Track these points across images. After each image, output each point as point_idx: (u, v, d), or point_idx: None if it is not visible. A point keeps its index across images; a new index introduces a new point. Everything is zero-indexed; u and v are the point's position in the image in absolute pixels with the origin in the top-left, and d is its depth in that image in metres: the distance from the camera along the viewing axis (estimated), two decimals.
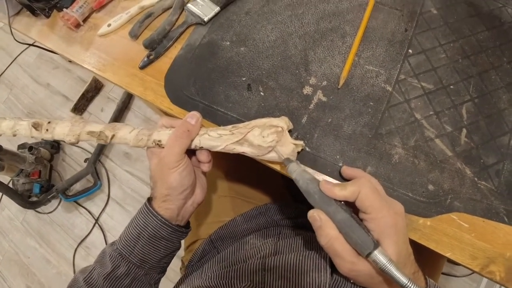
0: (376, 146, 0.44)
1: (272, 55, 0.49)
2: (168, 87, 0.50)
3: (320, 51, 0.48)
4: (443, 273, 1.09)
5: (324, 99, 0.46)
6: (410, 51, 0.48)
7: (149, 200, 0.45)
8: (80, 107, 1.52)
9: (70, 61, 1.62)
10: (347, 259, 0.33)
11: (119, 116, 1.44)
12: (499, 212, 0.43)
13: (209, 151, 0.44)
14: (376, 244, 0.31)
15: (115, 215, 1.39)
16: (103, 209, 1.39)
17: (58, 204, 1.44)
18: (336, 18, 0.50)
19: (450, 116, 0.45)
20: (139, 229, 0.43)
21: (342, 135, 0.44)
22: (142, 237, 0.42)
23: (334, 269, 0.42)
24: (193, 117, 0.41)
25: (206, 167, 0.45)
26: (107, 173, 1.43)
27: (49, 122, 0.43)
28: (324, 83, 0.47)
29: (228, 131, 0.41)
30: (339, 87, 0.46)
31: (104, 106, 1.54)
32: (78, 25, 0.58)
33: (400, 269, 0.30)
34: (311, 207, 0.36)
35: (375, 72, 0.47)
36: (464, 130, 0.45)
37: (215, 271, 0.44)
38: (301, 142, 0.42)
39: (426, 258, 0.61)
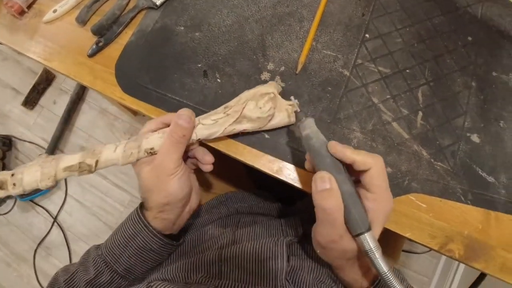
0: (335, 131, 0.43)
1: (229, 40, 0.47)
2: (119, 75, 0.47)
3: (278, 36, 0.47)
4: (403, 251, 1.13)
5: (282, 84, 0.45)
6: (367, 35, 0.48)
7: (141, 206, 0.41)
8: (31, 100, 1.43)
9: (20, 52, 1.51)
10: (338, 230, 0.31)
11: (73, 108, 1.37)
12: (456, 192, 0.43)
13: (205, 149, 0.42)
14: (370, 227, 0.31)
15: (74, 213, 1.34)
16: (61, 207, 1.34)
17: (14, 204, 1.36)
18: (294, 2, 0.49)
19: (407, 99, 0.46)
20: (127, 238, 0.40)
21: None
22: (130, 247, 0.40)
23: (290, 256, 0.41)
24: (185, 118, 0.37)
25: (208, 168, 0.42)
26: None
27: (12, 175, 0.35)
28: (282, 68, 0.45)
29: (222, 114, 0.39)
30: (297, 73, 0.45)
31: (56, 99, 1.46)
32: (22, 12, 0.53)
33: (382, 256, 0.30)
34: (275, 193, 0.35)
35: (332, 57, 0.46)
36: (420, 113, 0.45)
37: (173, 264, 0.43)
38: (296, 101, 0.40)
39: (387, 237, 0.62)
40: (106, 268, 0.40)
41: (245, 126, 0.39)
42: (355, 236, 0.31)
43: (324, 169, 0.32)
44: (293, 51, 0.46)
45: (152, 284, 0.34)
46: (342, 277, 0.38)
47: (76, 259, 1.27)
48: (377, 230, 0.32)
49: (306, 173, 0.42)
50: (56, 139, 1.32)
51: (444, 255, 0.43)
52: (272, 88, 0.39)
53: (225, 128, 0.38)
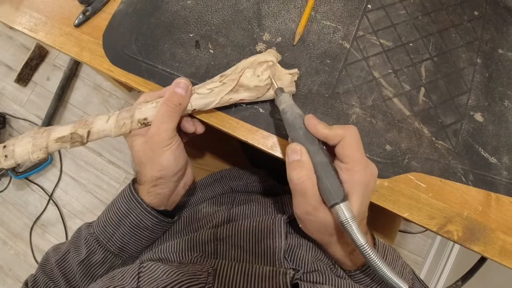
0: (333, 106, 0.41)
1: (222, 8, 0.44)
2: (107, 46, 0.44)
3: (274, 4, 0.44)
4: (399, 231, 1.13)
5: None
6: (369, 6, 0.45)
7: (134, 182, 0.40)
8: (24, 77, 1.40)
9: (11, 28, 1.47)
10: (311, 201, 0.31)
11: (66, 84, 1.34)
12: (457, 172, 0.42)
13: (195, 119, 0.40)
14: (345, 197, 0.30)
15: (69, 190, 1.32)
16: (57, 185, 1.32)
17: (9, 182, 1.35)
18: None
19: (409, 74, 0.44)
20: (120, 215, 0.38)
21: (297, 94, 0.41)
22: (123, 224, 0.38)
23: (288, 234, 0.40)
24: (183, 86, 0.35)
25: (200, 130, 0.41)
26: None
27: (4, 146, 0.34)
28: (279, 39, 0.43)
29: (218, 82, 0.37)
30: (294, 44, 0.42)
31: (50, 75, 1.42)
32: None
33: (359, 228, 0.29)
34: (268, 170, 0.34)
35: (332, 28, 0.44)
36: (423, 89, 0.43)
37: (167, 242, 0.42)
38: (296, 70, 0.38)
39: (383, 217, 0.62)
40: (99, 247, 0.39)
41: (243, 95, 0.37)
42: (330, 207, 0.30)
43: (297, 141, 0.32)
44: (290, 21, 0.44)
45: (144, 264, 0.33)
46: (330, 255, 0.37)
47: None
48: (355, 202, 0.30)
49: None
50: (50, 116, 1.29)
51: (443, 236, 0.42)
52: (271, 56, 0.37)
53: (221, 98, 0.37)
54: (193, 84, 0.41)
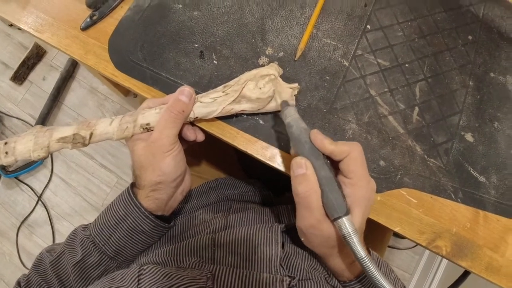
0: (330, 120, 0.43)
1: (227, 21, 0.46)
2: (112, 51, 0.45)
3: (278, 20, 0.46)
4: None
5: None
6: (368, 26, 0.47)
7: (132, 186, 0.40)
8: (20, 76, 1.39)
9: (10, 25, 1.47)
10: (315, 215, 0.31)
11: (62, 85, 1.33)
12: (447, 189, 0.43)
13: (196, 127, 0.41)
14: (348, 211, 0.31)
15: (59, 192, 1.31)
16: (46, 186, 1.31)
17: None
18: None
19: (404, 94, 0.45)
20: (118, 218, 0.39)
21: (297, 108, 0.42)
22: (120, 228, 0.39)
23: (284, 242, 0.41)
24: (187, 94, 0.36)
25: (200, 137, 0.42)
26: None
27: (5, 143, 0.35)
28: (281, 54, 0.44)
29: (221, 92, 0.38)
30: (295, 59, 0.44)
31: (46, 75, 1.41)
32: None
33: (360, 241, 0.30)
34: (263, 181, 0.35)
35: (332, 46, 0.45)
36: (417, 109, 0.45)
37: (163, 248, 0.42)
38: (296, 85, 0.40)
39: (374, 232, 0.63)
40: (95, 249, 0.39)
41: (244, 106, 0.38)
42: (333, 220, 0.31)
43: (303, 155, 0.33)
44: (292, 37, 0.45)
45: (144, 267, 0.33)
46: (329, 267, 0.38)
47: (59, 238, 1.27)
48: (356, 216, 0.31)
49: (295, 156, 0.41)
50: (44, 116, 1.28)
51: (431, 251, 0.43)
52: (273, 69, 0.38)
53: (224, 107, 0.38)
54: (196, 93, 0.42)
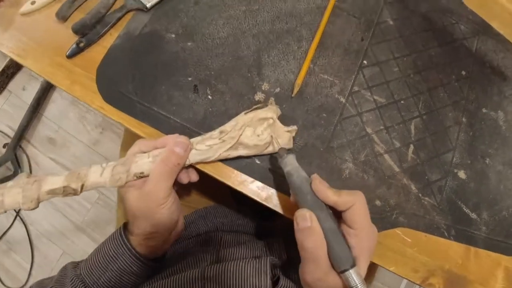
0: (327, 160, 0.42)
1: (223, 54, 0.44)
2: (100, 82, 0.43)
3: (274, 54, 0.45)
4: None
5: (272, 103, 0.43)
6: (365, 62, 0.47)
7: (125, 227, 0.39)
8: None
9: None
10: (322, 268, 0.31)
11: (42, 96, 1.27)
12: (440, 227, 0.44)
13: (190, 168, 0.40)
14: (354, 263, 0.31)
15: (38, 207, 1.24)
16: None
17: None
18: (293, 19, 0.47)
19: (399, 131, 0.45)
20: (108, 259, 0.38)
21: (294, 147, 0.42)
22: (110, 269, 0.37)
23: (282, 275, 0.40)
24: (183, 146, 0.35)
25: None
26: (28, 161, 1.27)
27: None
28: (277, 89, 0.43)
29: (217, 140, 0.37)
30: (293, 96, 0.43)
31: (26, 85, 1.35)
32: None
33: None
34: (254, 208, 0.34)
35: (329, 82, 0.45)
36: (412, 146, 0.45)
37: (154, 281, 0.41)
38: (295, 127, 0.39)
39: None
40: None
41: (241, 152, 0.37)
42: (340, 273, 0.31)
43: (305, 206, 0.32)
44: (289, 72, 0.44)
45: None
46: None
47: (38, 256, 1.22)
48: (362, 266, 0.31)
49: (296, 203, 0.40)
50: (23, 128, 1.22)
51: None
52: (271, 112, 0.37)
53: (220, 154, 0.37)
54: (188, 131, 0.41)
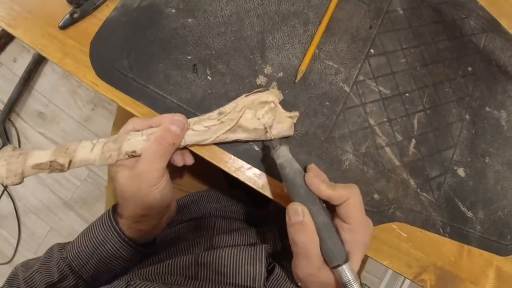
0: (328, 150, 0.41)
1: (225, 33, 0.42)
2: (94, 56, 0.40)
3: (279, 36, 0.43)
4: None
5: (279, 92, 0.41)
6: (372, 51, 0.45)
7: (114, 210, 0.38)
8: None
9: None
10: (314, 264, 0.30)
11: (34, 69, 1.23)
12: (436, 224, 0.43)
13: (185, 150, 0.38)
14: (347, 258, 0.30)
15: (26, 182, 1.20)
16: None
17: None
18: (300, 1, 0.44)
19: (402, 125, 0.44)
20: (96, 244, 0.36)
21: (294, 135, 0.40)
22: (98, 253, 0.36)
23: (277, 264, 0.40)
24: (179, 124, 0.33)
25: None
26: (17, 134, 1.24)
27: None
28: (280, 74, 0.42)
29: (216, 121, 0.35)
30: (296, 81, 0.41)
31: (17, 56, 1.30)
32: None
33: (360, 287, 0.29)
34: (247, 193, 0.33)
35: (334, 69, 0.43)
36: (414, 141, 0.44)
37: (146, 267, 0.40)
38: (297, 113, 0.37)
39: None
40: (71, 273, 0.37)
41: (240, 135, 0.36)
42: (333, 268, 0.30)
43: (297, 200, 0.31)
44: (294, 57, 0.42)
45: (132, 282, 0.32)
46: None
47: (25, 231, 1.20)
48: (355, 261, 0.31)
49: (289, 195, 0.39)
50: (13, 100, 1.18)
51: (417, 284, 0.43)
52: (273, 96, 0.36)
53: (217, 136, 0.35)
54: (185, 112, 0.39)
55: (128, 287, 0.31)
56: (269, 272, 0.39)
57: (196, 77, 0.40)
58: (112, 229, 0.36)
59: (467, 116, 0.47)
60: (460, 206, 0.45)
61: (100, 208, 1.22)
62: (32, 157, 0.32)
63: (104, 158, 0.32)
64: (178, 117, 0.33)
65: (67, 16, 0.41)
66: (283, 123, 0.36)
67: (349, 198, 0.31)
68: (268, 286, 0.38)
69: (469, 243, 0.45)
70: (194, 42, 0.41)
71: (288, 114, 0.37)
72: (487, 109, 0.48)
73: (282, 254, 0.45)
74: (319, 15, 0.44)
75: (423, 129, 0.45)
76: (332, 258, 0.30)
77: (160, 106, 0.39)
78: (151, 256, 0.43)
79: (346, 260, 0.30)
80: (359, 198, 0.32)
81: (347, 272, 0.29)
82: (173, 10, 0.42)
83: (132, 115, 0.39)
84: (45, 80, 1.25)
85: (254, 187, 0.39)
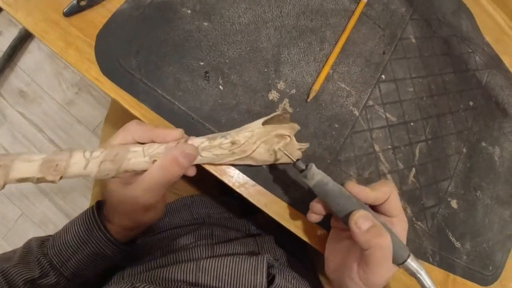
0: (332, 173, 0.41)
1: (241, 42, 0.40)
2: (100, 50, 0.38)
3: (295, 52, 0.42)
4: None
5: (289, 110, 0.40)
6: (383, 76, 0.45)
7: (99, 207, 0.36)
8: None
9: None
10: (391, 267, 0.30)
11: (19, 45, 1.15)
12: (426, 252, 0.44)
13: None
14: (409, 250, 0.31)
15: None
16: None
17: None
18: (319, 18, 0.44)
19: (405, 153, 0.45)
20: (79, 241, 0.35)
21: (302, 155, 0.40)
22: (81, 251, 0.35)
23: (276, 275, 0.40)
24: (190, 157, 0.31)
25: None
26: None
27: None
28: (293, 91, 0.41)
29: (227, 151, 0.33)
30: (308, 100, 0.41)
31: (3, 30, 1.21)
32: None
33: (427, 273, 0.31)
34: (239, 199, 0.36)
35: (346, 92, 0.43)
36: (414, 170, 0.45)
37: (144, 272, 0.39)
38: (307, 145, 0.37)
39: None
40: (52, 270, 0.36)
41: (247, 162, 0.35)
42: (400, 264, 0.31)
43: (349, 210, 0.31)
44: (308, 74, 0.42)
45: (137, 285, 0.31)
46: None
47: (1, 221, 1.12)
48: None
49: (297, 213, 0.39)
50: None
51: None
52: (289, 130, 0.34)
53: (224, 162, 0.34)
54: (191, 121, 0.37)
55: None
56: (269, 282, 0.39)
57: (207, 85, 0.39)
58: (97, 227, 0.35)
59: (464, 150, 0.48)
60: (450, 236, 0.46)
61: (76, 198, 1.17)
62: (15, 170, 0.28)
63: (100, 176, 0.30)
64: (190, 150, 0.31)
65: (74, 2, 0.38)
66: (293, 155, 0.35)
67: (392, 192, 0.32)
68: None
69: (455, 272, 0.46)
70: (208, 48, 0.40)
71: (299, 146, 0.36)
72: (483, 144, 0.50)
73: (280, 264, 0.45)
74: (335, 35, 0.44)
75: (423, 159, 0.45)
76: (399, 256, 0.30)
77: (167, 112, 0.37)
78: (148, 261, 0.42)
79: (409, 253, 0.30)
80: (397, 191, 0.33)
81: (412, 263, 0.30)
82: (189, 11, 0.40)
83: (130, 114, 0.37)
84: (30, 57, 1.17)
85: (257, 204, 0.38)
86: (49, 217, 1.14)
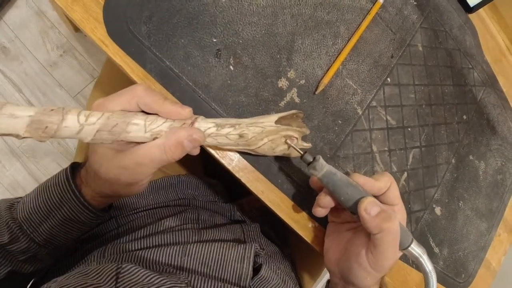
0: None
1: (257, 23, 0.39)
2: (108, 10, 0.36)
3: (309, 42, 0.41)
4: None
5: (297, 100, 0.40)
6: (388, 79, 0.46)
7: (73, 168, 0.34)
8: None
9: None
10: (397, 251, 0.31)
11: (4, 1, 1.07)
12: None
13: None
14: (412, 236, 0.32)
15: None
16: None
17: None
18: (335, 12, 0.43)
19: (399, 157, 0.46)
20: (51, 205, 0.33)
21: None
22: (53, 216, 0.33)
23: (263, 265, 0.40)
24: (195, 143, 0.29)
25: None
26: None
27: None
28: (302, 81, 0.41)
29: (233, 142, 0.32)
30: (315, 93, 0.41)
31: None
32: None
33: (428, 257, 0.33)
34: (224, 182, 0.38)
35: (352, 89, 0.43)
36: (405, 174, 0.46)
37: (130, 250, 0.38)
38: (309, 145, 0.36)
39: (312, 257, 0.66)
40: (22, 236, 0.33)
41: (246, 152, 0.35)
42: (403, 250, 0.32)
43: (355, 199, 0.32)
44: (318, 67, 0.42)
45: (123, 265, 0.30)
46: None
47: None
48: None
49: (292, 203, 0.39)
50: None
51: None
52: (299, 133, 0.34)
53: (224, 148, 0.34)
54: (196, 98, 0.36)
55: (118, 269, 0.29)
56: (255, 270, 0.39)
57: (218, 63, 0.38)
58: (71, 191, 0.33)
59: (453, 161, 0.50)
60: (430, 241, 0.48)
61: (49, 164, 1.11)
62: (2, 124, 0.25)
63: (93, 142, 0.28)
64: (197, 135, 0.29)
65: None
66: (294, 153, 0.35)
67: (392, 182, 0.33)
68: (253, 285, 0.38)
69: None
70: (223, 25, 0.38)
71: (302, 146, 0.36)
72: (471, 157, 0.52)
73: (266, 254, 0.45)
74: (349, 31, 0.44)
75: (416, 164, 0.47)
76: (404, 241, 0.31)
77: (173, 86, 0.36)
78: (134, 241, 0.41)
79: (412, 238, 0.32)
80: (394, 179, 0.34)
81: (415, 248, 0.32)
82: None
83: (125, 81, 0.34)
84: (16, 12, 1.09)
85: (254, 191, 0.38)
86: (18, 181, 1.08)
